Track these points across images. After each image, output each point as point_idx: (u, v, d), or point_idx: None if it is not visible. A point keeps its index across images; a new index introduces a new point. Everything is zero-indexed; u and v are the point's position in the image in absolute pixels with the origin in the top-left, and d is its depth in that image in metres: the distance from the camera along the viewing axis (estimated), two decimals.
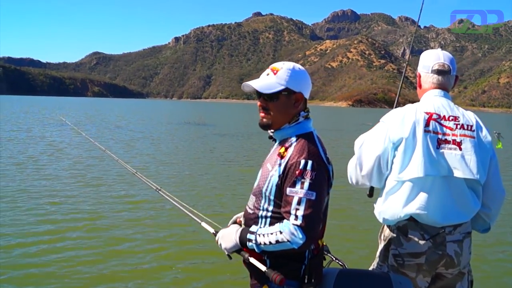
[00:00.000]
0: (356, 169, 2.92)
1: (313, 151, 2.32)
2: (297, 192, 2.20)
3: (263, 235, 2.25)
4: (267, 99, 2.39)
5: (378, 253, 3.01)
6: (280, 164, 2.30)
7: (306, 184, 2.20)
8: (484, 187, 2.88)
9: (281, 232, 2.19)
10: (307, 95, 2.46)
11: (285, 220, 2.23)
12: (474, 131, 2.86)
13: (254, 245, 2.28)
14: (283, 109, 2.39)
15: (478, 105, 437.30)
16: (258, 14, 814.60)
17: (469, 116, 2.93)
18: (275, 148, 2.46)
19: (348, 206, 9.96)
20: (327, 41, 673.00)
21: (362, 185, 2.97)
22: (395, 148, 2.79)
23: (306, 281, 2.31)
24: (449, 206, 2.75)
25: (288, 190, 2.22)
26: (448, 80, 3.03)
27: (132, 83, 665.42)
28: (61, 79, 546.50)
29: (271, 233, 2.22)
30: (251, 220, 2.43)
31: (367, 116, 73.77)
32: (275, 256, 2.30)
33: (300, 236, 2.18)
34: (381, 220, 2.94)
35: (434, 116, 2.83)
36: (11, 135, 23.18)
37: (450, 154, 2.77)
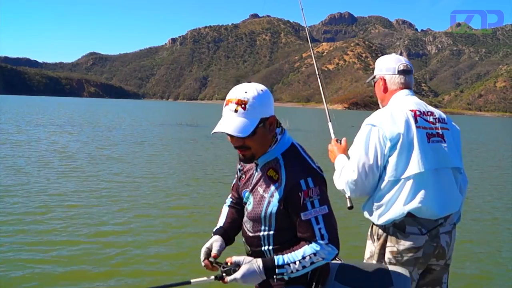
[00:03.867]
0: (359, 180, 2.83)
1: (305, 166, 2.30)
2: (312, 213, 2.18)
3: (294, 263, 2.18)
4: (244, 138, 2.20)
5: (369, 253, 3.00)
6: (276, 189, 2.25)
7: (316, 202, 2.19)
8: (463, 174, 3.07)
9: (315, 254, 2.18)
10: (273, 112, 2.30)
11: (313, 243, 2.20)
12: (447, 123, 3.01)
13: (285, 276, 2.21)
14: (262, 139, 2.26)
15: (475, 109, 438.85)
16: (255, 15, 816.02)
17: (439, 112, 3.06)
18: (261, 171, 2.37)
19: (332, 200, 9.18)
20: (324, 43, 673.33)
21: (368, 194, 2.92)
22: (392, 146, 2.80)
23: (313, 286, 2.32)
24: (444, 197, 2.82)
25: (303, 215, 2.19)
26: (411, 80, 3.14)
27: (128, 83, 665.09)
28: (57, 79, 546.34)
29: (304, 258, 2.18)
30: (253, 242, 2.40)
31: (361, 119, 73.08)
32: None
33: (333, 250, 2.21)
34: (377, 221, 2.90)
35: (418, 113, 2.91)
36: None
37: (439, 146, 2.86)
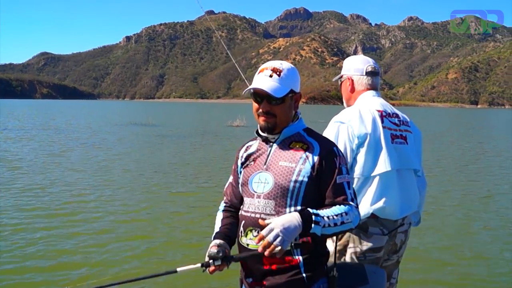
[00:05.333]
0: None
1: (328, 138, 2.47)
2: (345, 177, 2.26)
3: (328, 217, 2.14)
4: (275, 103, 2.28)
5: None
6: (308, 156, 2.26)
7: (345, 168, 2.29)
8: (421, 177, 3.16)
9: (346, 214, 2.17)
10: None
11: (345, 204, 2.22)
12: (410, 126, 3.08)
13: (319, 228, 2.12)
14: (288, 111, 2.34)
15: (428, 100, 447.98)
16: (211, 12, 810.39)
17: (402, 114, 3.12)
18: (281, 146, 2.36)
19: None
20: (280, 39, 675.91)
21: None
22: (360, 144, 2.85)
23: (334, 273, 2.32)
24: (405, 198, 2.91)
25: (338, 178, 2.23)
26: (378, 81, 3.21)
27: (82, 84, 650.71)
28: (7, 81, 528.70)
29: (336, 215, 2.15)
30: None
31: (321, 113, 73.50)
32: (308, 256, 2.24)
33: (359, 215, 2.26)
34: None
35: (384, 114, 2.98)
36: None
37: (401, 148, 2.94)
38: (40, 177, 12.66)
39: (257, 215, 2.28)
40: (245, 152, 2.53)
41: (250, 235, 2.31)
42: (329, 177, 2.23)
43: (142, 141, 25.03)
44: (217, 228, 2.49)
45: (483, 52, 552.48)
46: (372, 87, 3.16)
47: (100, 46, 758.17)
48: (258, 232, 2.21)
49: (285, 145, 2.34)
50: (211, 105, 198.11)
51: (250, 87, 2.30)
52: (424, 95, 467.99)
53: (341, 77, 3.29)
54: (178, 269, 2.19)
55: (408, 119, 3.13)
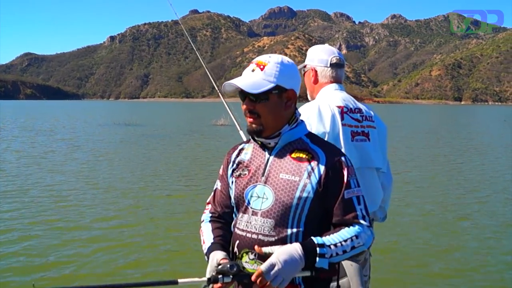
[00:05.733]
0: None
1: (335, 146, 2.16)
2: (354, 191, 1.98)
3: (335, 245, 1.89)
4: (254, 100, 2.00)
5: None
6: (313, 168, 1.97)
7: (355, 181, 2.01)
8: (383, 173, 3.03)
9: (357, 237, 1.92)
10: (298, 92, 2.10)
11: (354, 225, 1.96)
12: (374, 121, 2.94)
13: (325, 261, 1.87)
14: (274, 110, 2.01)
15: (412, 98, 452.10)
16: (195, 11, 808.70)
17: (366, 108, 2.98)
18: (280, 155, 2.06)
19: None
20: (264, 37, 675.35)
21: None
22: None
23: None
24: (366, 197, 2.53)
25: (346, 193, 1.96)
26: (342, 74, 3.07)
27: (66, 84, 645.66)
28: None
29: (346, 240, 1.91)
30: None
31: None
32: (310, 281, 1.97)
33: (372, 235, 2.00)
34: None
35: (345, 110, 2.86)
36: None
37: (362, 145, 2.84)
38: (21, 180, 12.57)
39: (254, 236, 2.01)
40: (237, 156, 2.21)
41: (246, 258, 2.03)
42: (336, 192, 1.97)
43: (125, 141, 24.88)
44: (210, 239, 2.15)
45: (466, 49, 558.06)
46: (336, 80, 3.02)
47: (84, 46, 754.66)
48: (255, 256, 1.99)
49: (286, 153, 2.05)
50: (196, 104, 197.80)
51: (225, 82, 2.05)
52: (408, 92, 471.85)
53: (305, 67, 3.15)
54: (179, 280, 1.90)
55: (372, 114, 2.99)
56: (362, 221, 1.96)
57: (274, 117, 2.01)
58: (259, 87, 1.96)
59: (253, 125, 2.02)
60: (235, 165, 2.18)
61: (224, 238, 2.15)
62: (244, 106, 2.03)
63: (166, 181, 12.97)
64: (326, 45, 3.18)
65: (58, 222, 8.56)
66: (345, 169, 1.98)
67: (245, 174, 2.11)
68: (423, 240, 7.73)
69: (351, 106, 2.89)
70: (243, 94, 2.02)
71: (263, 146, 2.09)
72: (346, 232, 1.92)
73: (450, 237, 7.93)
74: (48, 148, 21.00)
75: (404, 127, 39.86)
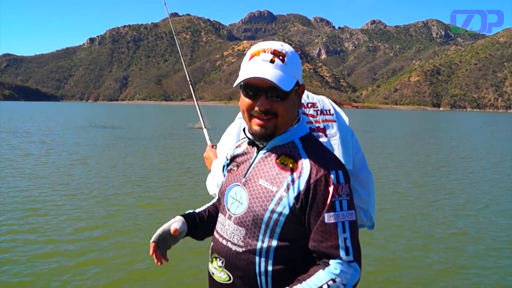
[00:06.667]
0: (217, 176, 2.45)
1: (333, 156, 1.78)
2: (339, 216, 1.63)
3: None
4: (278, 99, 1.69)
5: None
6: (294, 180, 1.67)
7: (345, 203, 1.65)
8: (351, 170, 2.39)
9: (334, 281, 1.59)
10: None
11: (332, 261, 1.62)
12: (333, 114, 2.60)
13: None
14: (292, 109, 1.76)
15: (391, 103, 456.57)
16: (175, 14, 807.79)
17: (323, 101, 2.64)
18: (266, 158, 1.79)
19: None
20: (244, 41, 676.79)
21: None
22: None
23: None
24: None
25: (327, 216, 1.62)
26: None
27: (45, 85, 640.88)
28: None
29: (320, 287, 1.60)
30: (242, 261, 1.75)
31: None
32: None
33: (356, 272, 1.64)
34: None
35: None
36: None
37: None
38: None
39: (224, 242, 1.82)
40: (234, 149, 2.03)
41: (215, 264, 1.85)
42: (314, 215, 1.65)
43: (101, 144, 24.22)
44: (197, 209, 2.11)
45: (444, 56, 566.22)
46: None
47: (63, 47, 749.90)
48: (222, 263, 1.80)
49: (273, 157, 1.77)
50: (174, 107, 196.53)
51: (246, 76, 1.67)
52: (387, 97, 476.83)
53: None
54: None
55: (331, 107, 2.58)
56: (342, 255, 1.62)
57: (291, 117, 1.76)
58: (289, 83, 1.68)
59: (267, 129, 1.72)
60: (229, 160, 2.01)
61: (210, 215, 2.09)
62: (259, 106, 1.70)
63: (141, 186, 12.40)
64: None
65: (35, 232, 7.88)
66: (331, 186, 1.64)
67: (234, 170, 1.91)
68: (409, 251, 7.60)
69: (303, 101, 2.53)
70: (255, 90, 1.70)
71: (253, 144, 1.86)
72: (321, 277, 1.61)
73: (442, 253, 7.73)
74: (24, 151, 20.20)
75: (384, 133, 39.63)
